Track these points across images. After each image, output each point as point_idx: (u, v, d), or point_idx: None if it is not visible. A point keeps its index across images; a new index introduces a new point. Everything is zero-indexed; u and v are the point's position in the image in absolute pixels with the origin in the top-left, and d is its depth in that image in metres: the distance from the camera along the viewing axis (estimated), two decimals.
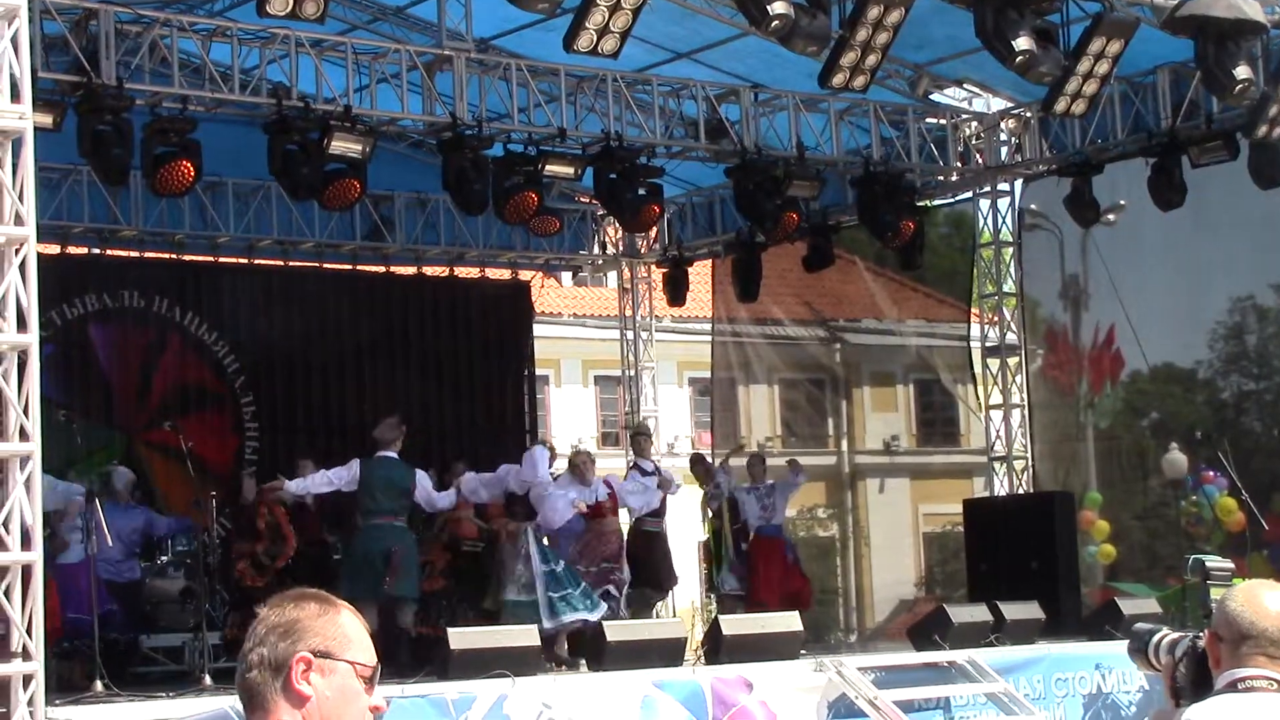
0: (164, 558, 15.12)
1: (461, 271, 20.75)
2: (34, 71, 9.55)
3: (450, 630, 11.75)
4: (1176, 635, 4.30)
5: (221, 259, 18.80)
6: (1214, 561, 4.66)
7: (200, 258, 18.70)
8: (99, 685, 11.19)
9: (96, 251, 18.04)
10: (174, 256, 18.48)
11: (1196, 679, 4.15)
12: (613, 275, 23.37)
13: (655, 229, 20.31)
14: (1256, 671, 3.94)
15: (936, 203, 20.41)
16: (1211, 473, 18.35)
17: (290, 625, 3.28)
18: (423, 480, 14.29)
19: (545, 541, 14.42)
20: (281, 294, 18.97)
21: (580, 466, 15.13)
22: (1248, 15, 12.90)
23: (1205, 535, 19.15)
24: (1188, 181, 16.45)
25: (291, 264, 19.15)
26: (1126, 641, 4.48)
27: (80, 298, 17.67)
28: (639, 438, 17.84)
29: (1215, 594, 4.30)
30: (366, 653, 3.33)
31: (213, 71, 14.15)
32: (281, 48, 14.48)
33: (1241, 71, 13.36)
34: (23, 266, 8.77)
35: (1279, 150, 15.65)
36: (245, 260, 18.93)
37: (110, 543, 13.27)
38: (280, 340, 18.82)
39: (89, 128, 13.41)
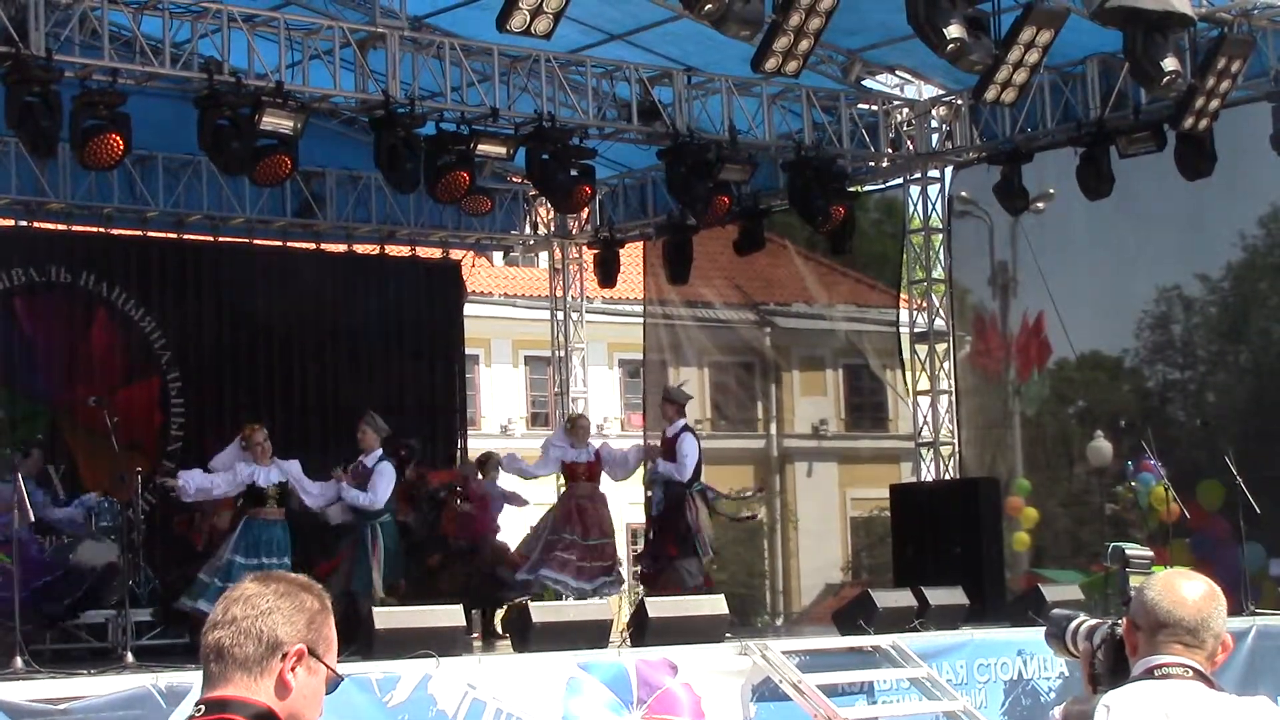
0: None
1: (392, 250, 20.68)
2: None
3: (375, 610, 11.73)
4: (1095, 622, 4.35)
5: (150, 234, 18.68)
6: (1133, 549, 4.71)
7: (129, 232, 18.56)
8: (19, 662, 11.11)
9: (23, 224, 17.88)
10: (102, 230, 18.34)
11: (1114, 666, 4.20)
12: (544, 256, 23.39)
13: (587, 210, 20.30)
14: (1172, 659, 4.00)
15: (867, 188, 20.50)
16: (1150, 460, 18.51)
17: (298, 610, 3.24)
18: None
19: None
20: (210, 270, 18.86)
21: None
22: (1176, 8, 13.02)
23: (1138, 522, 19.31)
24: (1115, 172, 16.58)
25: (221, 240, 19.05)
26: (1046, 626, 4.53)
27: (6, 271, 17.50)
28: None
29: (1134, 581, 4.36)
30: (334, 662, 3.32)
31: (144, 45, 14.03)
32: (214, 22, 14.37)
33: (1169, 63, 13.48)
34: None
35: (1205, 142, 15.80)
36: (174, 235, 18.81)
37: (33, 518, 13.20)
38: (208, 316, 18.73)
39: (17, 99, 13.26)
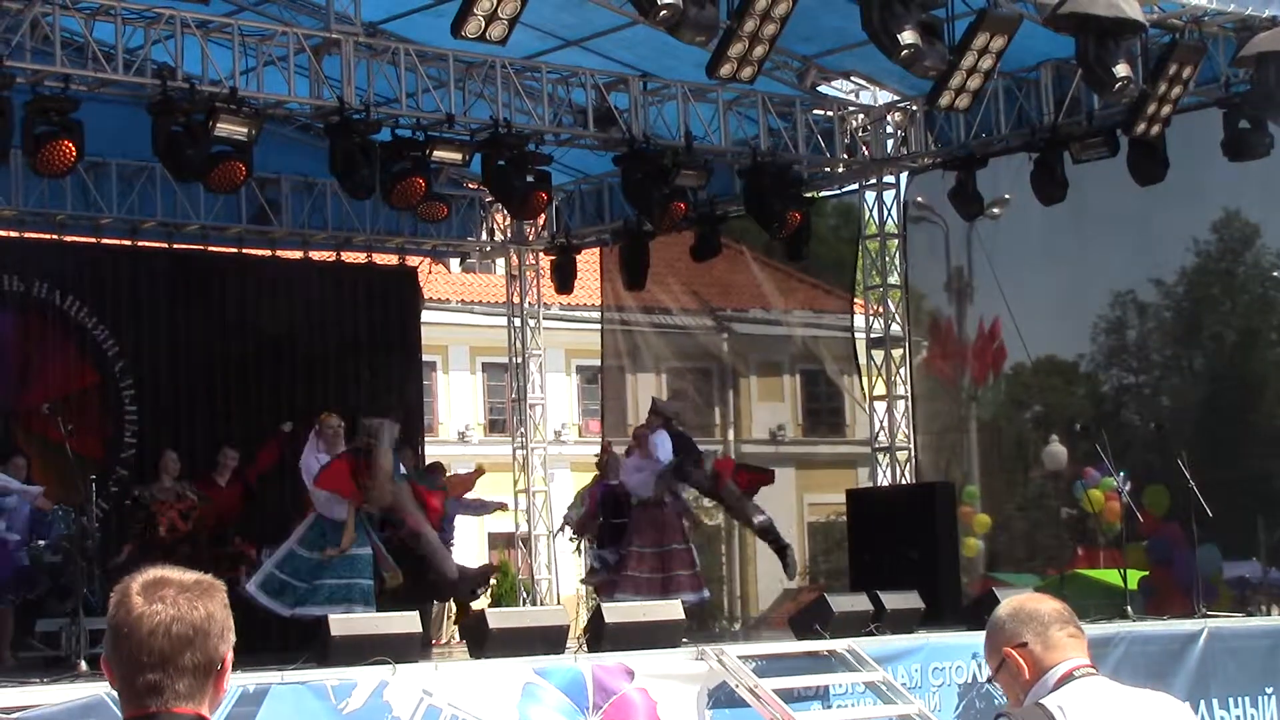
0: (40, 541, 14.95)
1: (348, 256, 20.63)
2: None
3: (331, 617, 11.69)
4: None
5: (104, 240, 18.59)
6: None
7: (82, 239, 18.48)
8: None
9: None
10: (55, 238, 18.25)
11: None
12: (501, 262, 23.36)
13: (543, 216, 20.32)
14: (1082, 661, 4.07)
15: (823, 194, 20.53)
16: (1088, 468, 18.63)
17: (227, 622, 3.26)
18: None
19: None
20: (165, 277, 18.78)
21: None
22: (1127, 14, 13.10)
23: (1096, 527, 19.42)
24: (1069, 177, 16.67)
25: (175, 247, 18.97)
26: None
27: None
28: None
29: None
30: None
31: (96, 51, 13.97)
32: (167, 28, 14.32)
33: (1121, 69, 13.56)
34: None
35: (1158, 148, 15.90)
36: (129, 242, 18.73)
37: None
38: (163, 324, 18.65)
39: None
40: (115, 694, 3.26)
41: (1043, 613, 4.13)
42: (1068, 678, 4.05)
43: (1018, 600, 4.21)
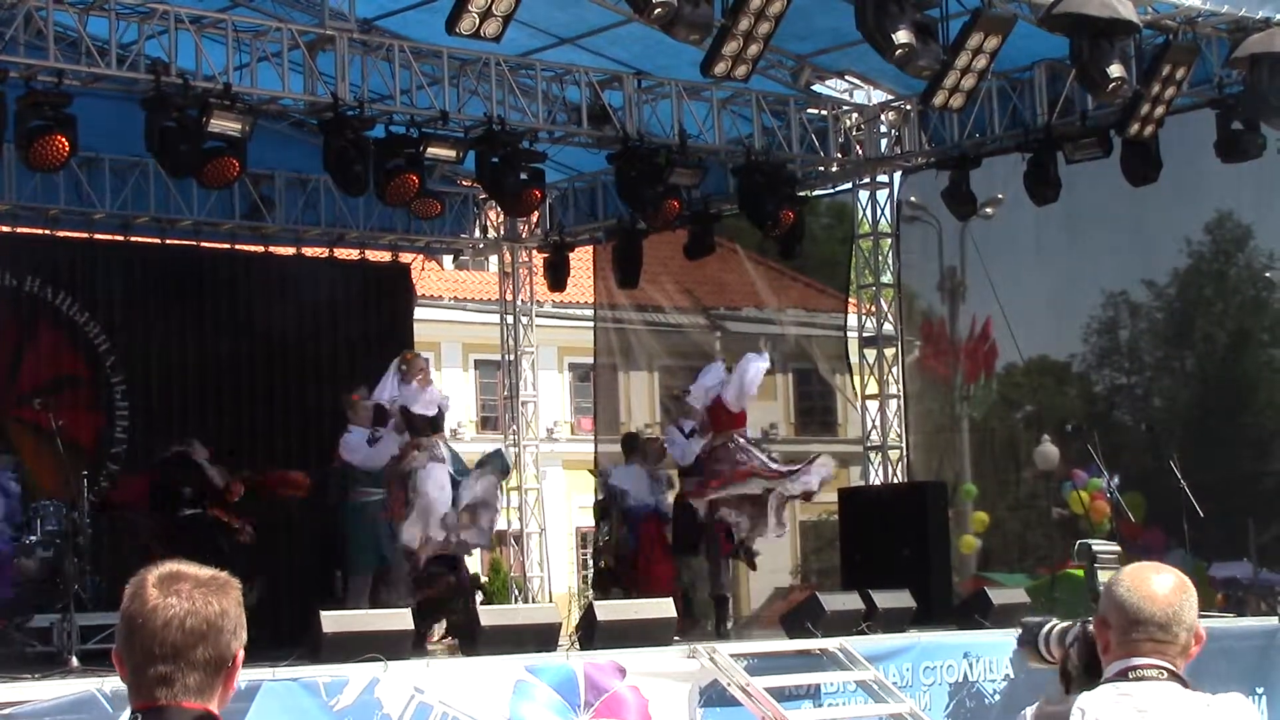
0: (31, 537, 14.90)
1: (341, 253, 20.61)
2: None
3: (322, 613, 11.68)
4: (1066, 624, 4.32)
5: (97, 236, 18.57)
6: (1100, 545, 4.63)
7: (75, 234, 18.45)
8: None
9: None
10: (47, 233, 18.23)
11: (1089, 664, 4.16)
12: (494, 259, 23.35)
13: (537, 214, 20.30)
14: (1146, 660, 3.98)
15: (817, 193, 20.53)
16: (1077, 470, 18.65)
17: (240, 620, 3.27)
18: None
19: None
20: (157, 273, 18.77)
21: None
22: (1121, 14, 13.10)
23: (1088, 528, 19.46)
24: (1062, 177, 16.68)
25: (169, 242, 18.94)
26: (1017, 634, 4.48)
27: None
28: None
29: (1102, 576, 4.29)
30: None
31: (90, 45, 13.94)
32: (161, 23, 14.29)
33: (1115, 70, 13.57)
34: None
35: (1151, 149, 15.91)
36: (121, 238, 18.71)
37: None
38: (155, 319, 18.63)
39: None
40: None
41: (1135, 607, 4.04)
42: (1123, 675, 4.01)
43: (1141, 581, 4.06)
